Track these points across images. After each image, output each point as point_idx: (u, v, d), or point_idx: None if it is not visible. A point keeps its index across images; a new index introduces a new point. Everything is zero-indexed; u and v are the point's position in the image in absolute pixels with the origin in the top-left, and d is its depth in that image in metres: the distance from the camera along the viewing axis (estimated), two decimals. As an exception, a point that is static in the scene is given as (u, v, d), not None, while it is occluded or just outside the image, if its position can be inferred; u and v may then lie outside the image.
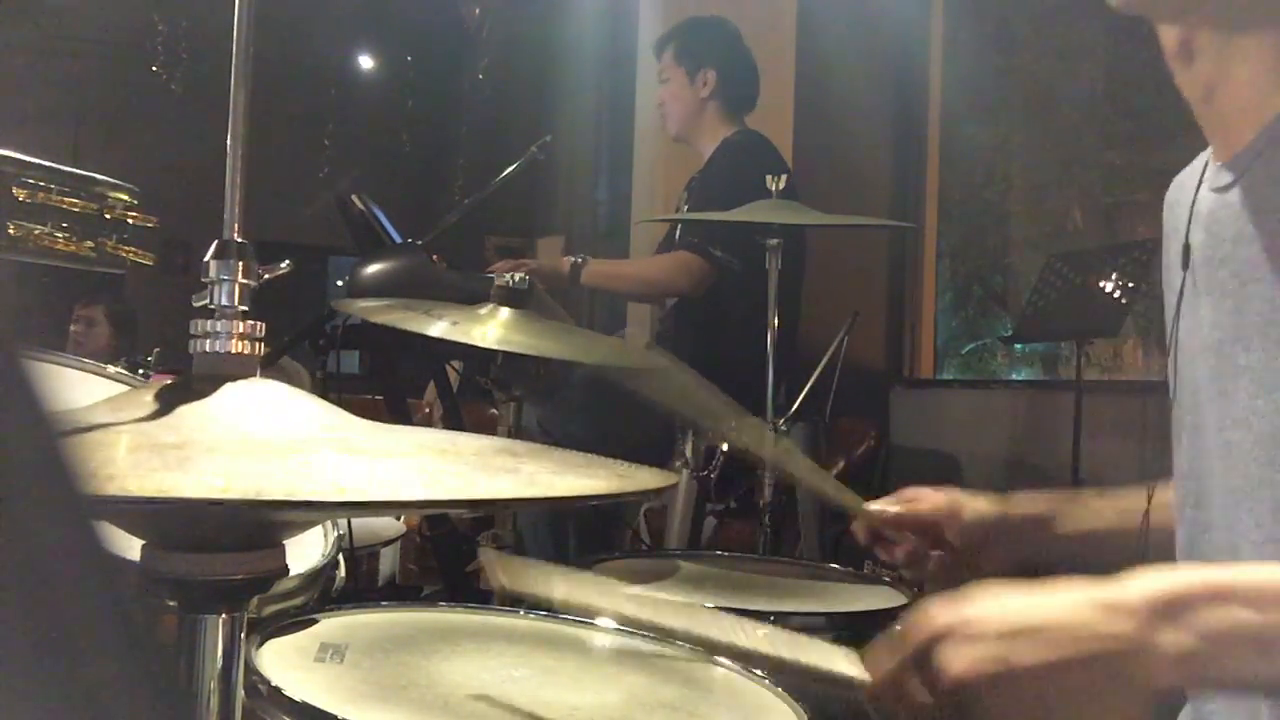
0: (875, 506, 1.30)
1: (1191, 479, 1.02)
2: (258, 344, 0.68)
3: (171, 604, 0.61)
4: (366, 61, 8.00)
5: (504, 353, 1.87)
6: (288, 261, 0.74)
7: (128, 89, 6.99)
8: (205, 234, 0.70)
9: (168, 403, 0.62)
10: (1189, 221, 1.03)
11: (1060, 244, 3.81)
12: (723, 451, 2.36)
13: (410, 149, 7.74)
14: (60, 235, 1.18)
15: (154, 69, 6.72)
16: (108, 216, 1.23)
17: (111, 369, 1.34)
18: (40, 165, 1.15)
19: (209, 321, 0.68)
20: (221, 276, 0.68)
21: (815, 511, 2.53)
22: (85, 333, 4.36)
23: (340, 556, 1.22)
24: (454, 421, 2.63)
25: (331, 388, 2.26)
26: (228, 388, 0.64)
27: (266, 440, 0.60)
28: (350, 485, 0.54)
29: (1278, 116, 0.90)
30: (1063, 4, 3.89)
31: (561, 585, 0.93)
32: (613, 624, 1.27)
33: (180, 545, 0.60)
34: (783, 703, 1.00)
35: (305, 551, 1.17)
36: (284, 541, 0.64)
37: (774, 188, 2.08)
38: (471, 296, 1.92)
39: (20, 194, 1.14)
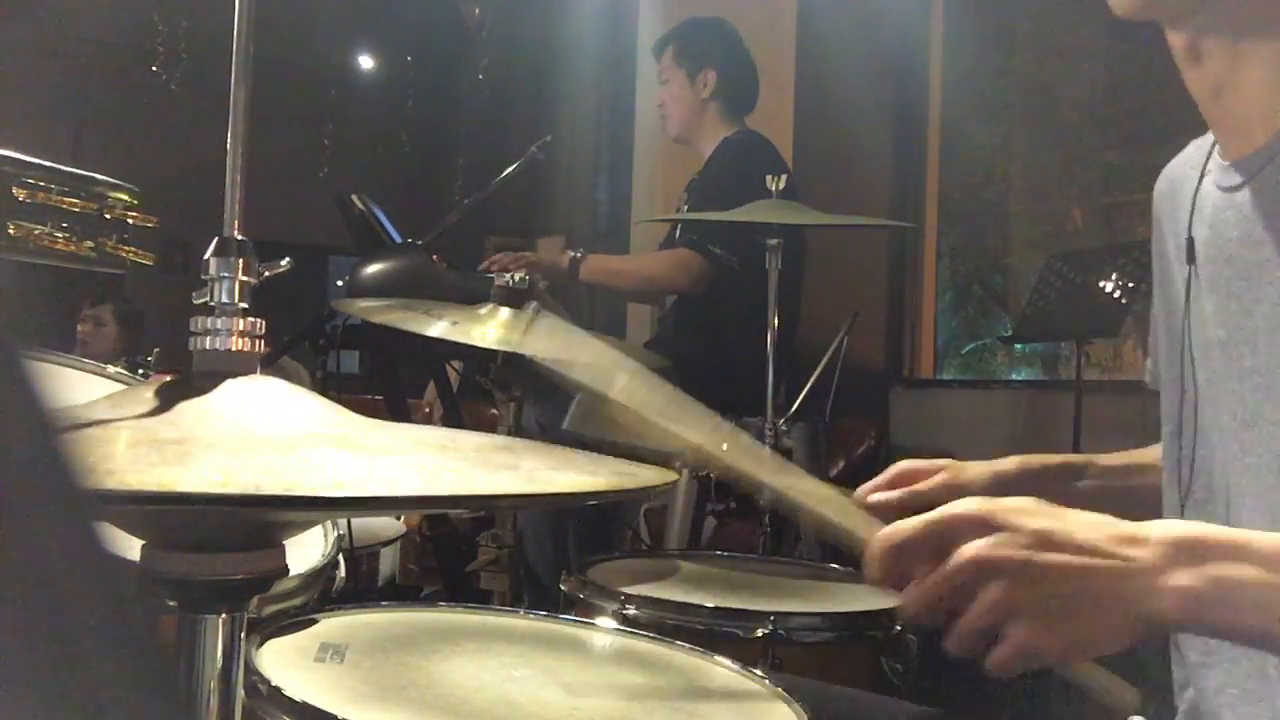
0: (876, 498, 1.26)
1: (1203, 476, 1.02)
2: (258, 341, 0.68)
3: (171, 604, 0.61)
4: (366, 61, 8.00)
5: (504, 353, 1.87)
6: (288, 259, 0.74)
7: (128, 89, 7.00)
8: (205, 234, 0.70)
9: (168, 399, 0.62)
10: (1191, 215, 1.03)
11: (1060, 244, 3.81)
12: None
13: (410, 149, 7.75)
14: (60, 235, 1.18)
15: (154, 69, 6.72)
16: (108, 216, 1.23)
17: (111, 369, 1.34)
18: (40, 165, 1.15)
19: (209, 319, 0.68)
20: (221, 274, 0.68)
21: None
22: (93, 333, 4.37)
23: (340, 556, 1.22)
24: (454, 421, 2.63)
25: (331, 388, 2.26)
26: (228, 384, 0.64)
27: (266, 436, 0.60)
28: (350, 481, 0.54)
29: None
30: (1063, 4, 3.90)
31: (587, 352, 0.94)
32: (613, 622, 1.27)
33: (180, 545, 0.59)
34: (783, 703, 1.00)
35: (305, 551, 1.17)
36: (284, 541, 0.64)
37: (774, 188, 2.08)
38: (471, 296, 1.92)
39: (20, 194, 1.14)
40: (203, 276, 0.68)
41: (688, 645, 1.14)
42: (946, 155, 4.39)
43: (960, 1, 4.35)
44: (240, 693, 0.64)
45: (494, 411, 2.00)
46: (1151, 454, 1.22)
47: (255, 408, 0.63)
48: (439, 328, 1.70)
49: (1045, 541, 0.77)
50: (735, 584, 1.63)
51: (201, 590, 0.61)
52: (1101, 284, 3.05)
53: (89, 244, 1.21)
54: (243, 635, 0.63)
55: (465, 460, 0.61)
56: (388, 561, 3.09)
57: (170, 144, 6.38)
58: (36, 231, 1.16)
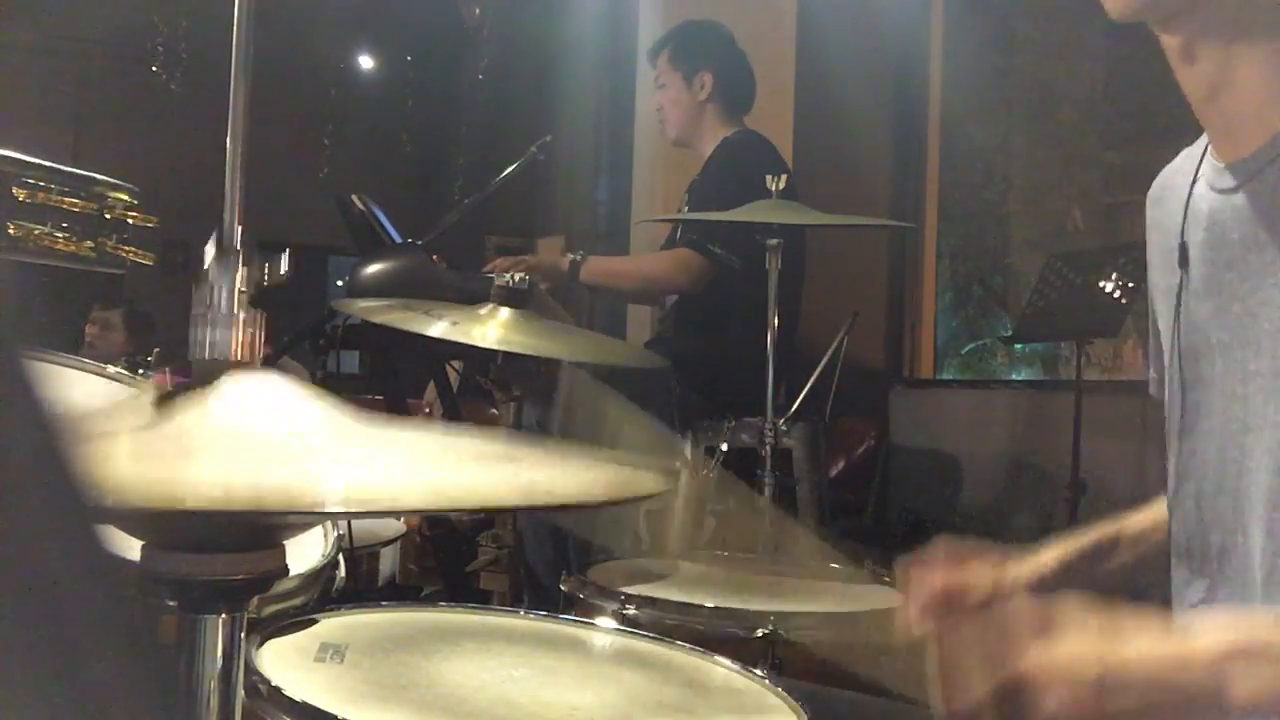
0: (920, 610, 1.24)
1: (1199, 480, 1.02)
2: (257, 347, 0.68)
3: (171, 604, 0.61)
4: (366, 61, 8.00)
5: (504, 353, 1.86)
6: (287, 268, 0.74)
7: (128, 89, 7.00)
8: (205, 234, 0.70)
9: (168, 406, 0.62)
10: (1184, 220, 1.02)
11: (1060, 244, 3.81)
12: (722, 451, 2.37)
13: (410, 149, 7.75)
14: (60, 235, 1.18)
15: (154, 69, 6.72)
16: (108, 216, 1.23)
17: (111, 369, 1.34)
18: (40, 165, 1.15)
19: (208, 324, 0.68)
20: (221, 279, 0.68)
21: (815, 511, 2.53)
22: (100, 336, 4.37)
23: (340, 556, 1.22)
24: (454, 422, 2.63)
25: (331, 388, 2.25)
26: (227, 383, 0.64)
27: (266, 441, 0.60)
28: (350, 488, 0.54)
29: None
30: (1063, 4, 3.90)
31: None
32: (613, 623, 1.27)
33: (180, 545, 0.60)
34: (782, 703, 1.00)
35: (305, 551, 1.17)
36: (284, 542, 0.64)
37: (774, 188, 2.08)
38: (471, 296, 1.92)
39: (20, 194, 1.14)
40: (202, 282, 0.68)
41: (688, 645, 1.14)
42: (946, 155, 4.39)
43: (960, 1, 4.35)
44: (240, 693, 0.64)
45: (494, 411, 2.00)
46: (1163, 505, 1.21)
47: (255, 410, 0.63)
48: (439, 328, 1.70)
49: (1107, 688, 0.78)
50: (735, 584, 1.63)
51: (201, 590, 0.61)
52: (1101, 284, 3.05)
53: (89, 244, 1.21)
54: (243, 635, 0.63)
55: (466, 464, 0.61)
56: (388, 561, 3.09)
57: (170, 144, 6.38)
58: (36, 231, 1.16)
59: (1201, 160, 1.02)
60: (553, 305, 2.70)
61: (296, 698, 0.84)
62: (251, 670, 0.87)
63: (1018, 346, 4.15)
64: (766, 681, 1.05)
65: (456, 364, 2.69)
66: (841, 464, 3.68)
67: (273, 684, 0.86)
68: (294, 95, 6.85)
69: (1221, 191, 0.97)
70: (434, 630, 1.12)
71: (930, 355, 4.46)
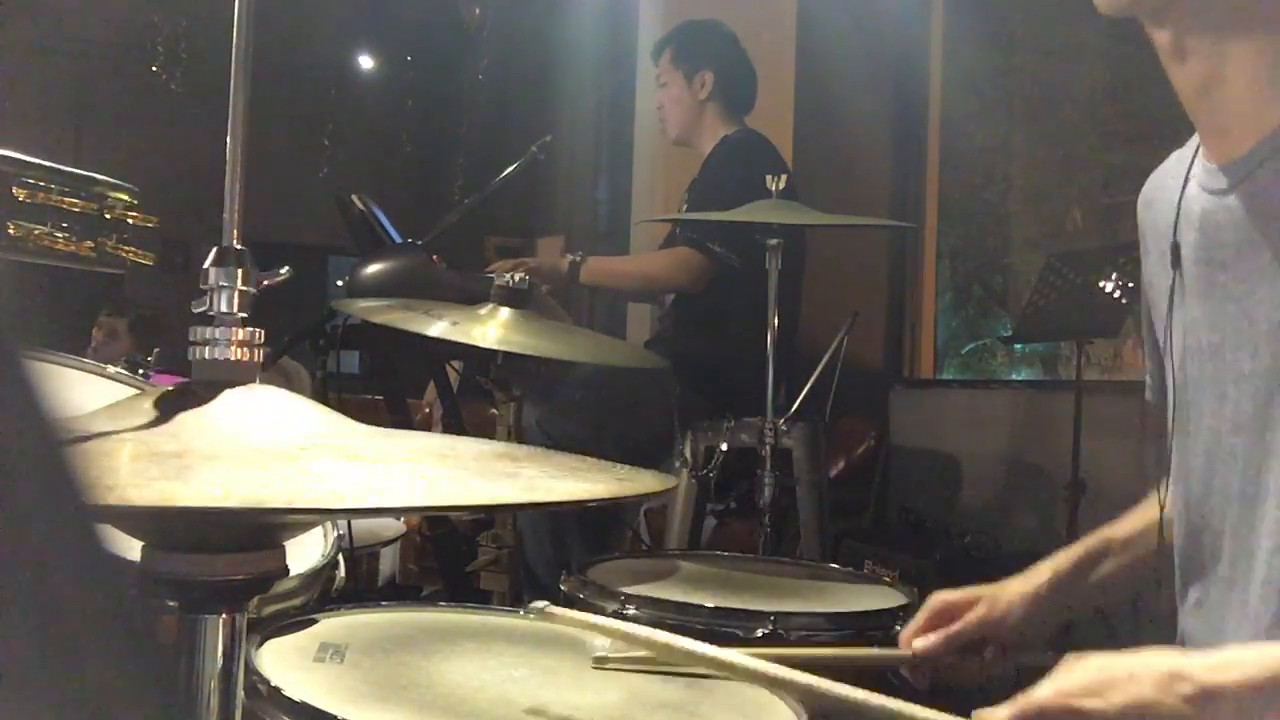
0: (920, 644, 1.26)
1: (1190, 481, 1.02)
2: (257, 351, 0.68)
3: (171, 604, 0.61)
4: (366, 61, 8.00)
5: (504, 353, 1.87)
6: (287, 268, 0.74)
7: (128, 89, 7.00)
8: (205, 234, 0.70)
9: (167, 410, 0.62)
10: (1176, 221, 1.02)
11: (1060, 244, 3.81)
12: (722, 451, 2.37)
13: (410, 149, 7.75)
14: (60, 235, 1.18)
15: (154, 69, 6.72)
16: (108, 216, 1.23)
17: (111, 369, 1.34)
18: (40, 165, 1.15)
19: (208, 328, 0.68)
20: (221, 283, 0.68)
21: (815, 511, 2.53)
22: (105, 342, 4.37)
23: (340, 556, 1.22)
24: (454, 422, 2.63)
25: (331, 388, 2.26)
26: (227, 394, 0.64)
27: (266, 447, 0.60)
28: (349, 492, 0.54)
29: None
30: (1063, 4, 3.89)
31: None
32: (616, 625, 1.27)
33: (180, 546, 0.60)
34: (783, 703, 1.00)
35: (305, 551, 1.17)
36: (284, 542, 0.64)
37: (774, 188, 2.08)
38: (471, 296, 1.92)
39: (20, 194, 1.14)
40: (202, 286, 0.68)
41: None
42: (946, 155, 4.39)
43: (960, 1, 4.35)
44: (240, 693, 0.64)
45: (494, 411, 2.00)
46: (1153, 506, 1.21)
47: (255, 417, 0.63)
48: (439, 328, 1.70)
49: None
50: (735, 584, 1.63)
51: (201, 590, 0.61)
52: (1101, 284, 3.05)
53: (89, 244, 1.21)
54: (243, 635, 0.63)
55: (465, 469, 0.61)
56: (388, 561, 3.09)
57: (170, 144, 6.38)
58: (36, 231, 1.16)
59: (1193, 162, 1.02)
60: (553, 305, 2.70)
61: (296, 698, 0.84)
62: (251, 670, 0.87)
63: (1018, 346, 4.15)
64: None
65: (456, 364, 2.69)
66: (841, 464, 3.68)
67: (273, 684, 0.86)
68: (294, 95, 6.85)
69: (1214, 193, 0.97)
70: (434, 630, 1.12)
71: (930, 355, 4.46)
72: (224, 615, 0.62)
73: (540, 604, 1.09)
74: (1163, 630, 1.13)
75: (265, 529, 0.62)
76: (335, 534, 1.22)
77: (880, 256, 4.44)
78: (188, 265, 5.77)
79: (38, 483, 0.29)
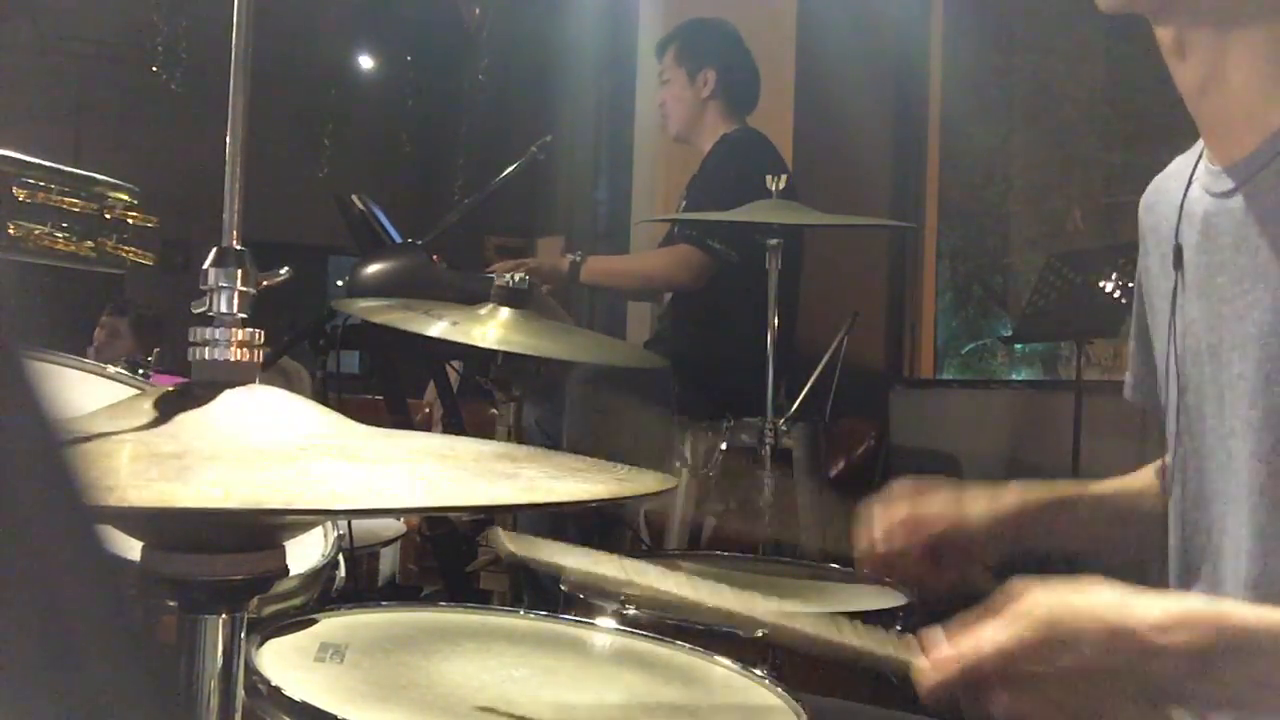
0: (878, 533, 1.24)
1: (1189, 484, 1.02)
2: (257, 351, 0.68)
3: (171, 604, 0.61)
4: (366, 61, 8.00)
5: (504, 353, 1.87)
6: (287, 269, 0.74)
7: (128, 89, 7.00)
8: (205, 234, 0.70)
9: (167, 411, 0.62)
10: (1178, 222, 1.02)
11: (1060, 244, 3.81)
12: (722, 451, 2.37)
13: (410, 149, 7.75)
14: (60, 235, 1.18)
15: (154, 69, 6.72)
16: (108, 216, 1.23)
17: (111, 369, 1.34)
18: (40, 165, 1.15)
19: (208, 329, 0.68)
20: (220, 284, 0.68)
21: (815, 512, 2.53)
22: (107, 342, 4.38)
23: (340, 556, 1.22)
24: (454, 422, 2.63)
25: (331, 388, 2.26)
26: (227, 395, 0.64)
27: (265, 448, 0.60)
28: (349, 492, 0.54)
29: None
30: (1063, 4, 3.89)
31: (570, 559, 0.97)
32: (613, 622, 1.27)
33: (180, 546, 0.60)
34: (782, 703, 1.00)
35: (305, 551, 1.17)
36: (284, 542, 0.64)
37: (774, 188, 2.08)
38: (471, 296, 1.92)
39: (20, 194, 1.14)
40: (201, 287, 0.68)
41: (688, 645, 1.14)
42: (946, 155, 4.39)
43: (960, 1, 4.35)
44: (240, 693, 0.64)
45: (494, 411, 2.00)
46: (1142, 477, 1.22)
47: (255, 418, 0.63)
48: (439, 328, 1.70)
49: (1069, 686, 0.81)
50: (735, 584, 1.63)
51: (201, 590, 0.61)
52: (1101, 284, 3.05)
53: (89, 244, 1.21)
54: (243, 635, 0.63)
55: (464, 469, 0.61)
56: (388, 561, 3.09)
57: (170, 144, 6.39)
58: (36, 231, 1.16)
59: (1196, 165, 1.02)
60: (553, 305, 2.70)
61: (296, 698, 0.84)
62: (251, 670, 0.87)
63: (1018, 346, 4.15)
64: (766, 681, 1.05)
65: (456, 364, 2.69)
66: (841, 464, 3.68)
67: (273, 684, 0.86)
68: (294, 95, 6.85)
69: (1217, 195, 0.97)
70: (434, 630, 1.12)
71: (930, 355, 4.46)
72: (224, 615, 0.62)
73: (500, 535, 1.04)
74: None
75: (265, 529, 0.62)
76: (335, 534, 1.22)
77: (880, 256, 4.44)
78: (188, 265, 5.77)
79: (38, 483, 0.29)
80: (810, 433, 2.58)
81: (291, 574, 0.72)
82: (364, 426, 0.67)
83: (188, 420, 0.62)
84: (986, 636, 0.83)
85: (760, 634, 1.35)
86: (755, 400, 2.08)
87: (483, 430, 2.35)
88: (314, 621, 1.07)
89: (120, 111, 7.03)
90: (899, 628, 1.44)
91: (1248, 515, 0.91)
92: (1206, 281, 0.98)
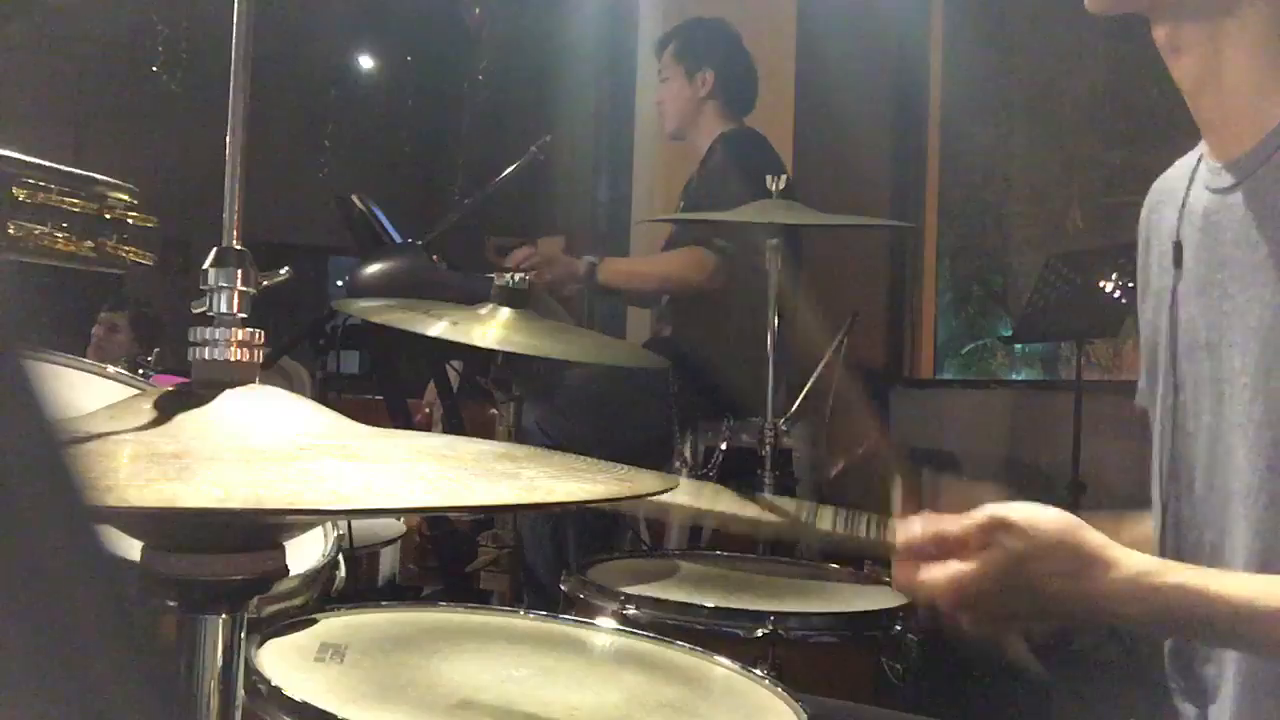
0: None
1: (1190, 480, 1.02)
2: (257, 351, 0.68)
3: (171, 604, 0.61)
4: (366, 61, 8.00)
5: (504, 353, 1.87)
6: (287, 269, 0.74)
7: (128, 89, 6.99)
8: (205, 234, 0.70)
9: (167, 411, 0.62)
10: (1179, 220, 1.03)
11: (1060, 244, 3.81)
12: (722, 451, 2.37)
13: (410, 149, 7.74)
14: (60, 235, 1.18)
15: (154, 69, 6.72)
16: (108, 216, 1.23)
17: (111, 369, 1.34)
18: (40, 165, 1.15)
19: (208, 329, 0.67)
20: (220, 284, 0.68)
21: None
22: (106, 337, 4.38)
23: (340, 556, 1.21)
24: (454, 422, 2.63)
25: (331, 388, 2.26)
26: (227, 395, 0.64)
27: (265, 448, 0.60)
28: (349, 492, 0.54)
29: None
30: (1063, 4, 3.89)
31: None
32: (613, 623, 1.27)
33: (180, 546, 0.60)
34: (782, 703, 1.00)
35: (305, 551, 1.17)
36: (284, 542, 0.64)
37: (774, 188, 2.08)
38: (471, 296, 1.92)
39: (20, 194, 1.14)
40: (201, 287, 0.68)
41: (688, 645, 1.14)
42: (946, 155, 4.39)
43: (960, 1, 4.35)
44: (240, 693, 0.64)
45: (494, 411, 2.00)
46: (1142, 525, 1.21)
47: (255, 418, 0.63)
48: (439, 328, 1.70)
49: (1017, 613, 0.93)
50: (735, 584, 1.63)
51: (201, 590, 0.61)
52: (1101, 284, 3.05)
53: (89, 244, 1.21)
54: (243, 635, 0.63)
55: (464, 469, 0.60)
56: (388, 561, 3.09)
57: (170, 144, 6.38)
58: (36, 231, 1.16)
59: (1198, 164, 1.02)
60: (553, 305, 2.70)
61: (296, 698, 0.84)
62: (251, 670, 0.87)
63: (1018, 346, 4.15)
64: (766, 681, 1.05)
65: (456, 364, 2.69)
66: (841, 464, 3.68)
67: (273, 684, 0.86)
68: (294, 95, 6.85)
69: (1217, 191, 0.97)
70: (434, 630, 1.12)
71: (930, 355, 4.46)
72: (224, 615, 0.62)
73: None
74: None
75: (265, 529, 0.62)
76: (335, 534, 1.22)
77: (880, 256, 4.44)
78: (188, 265, 5.76)
79: (38, 483, 0.29)
80: (810, 433, 2.58)
81: (291, 574, 0.72)
82: (364, 426, 0.67)
83: (188, 420, 0.62)
84: (960, 577, 0.92)
85: (761, 633, 1.35)
86: (755, 400, 2.08)
87: (483, 430, 2.35)
88: (314, 621, 1.07)
89: (120, 111, 7.02)
90: (898, 627, 1.44)
91: (1246, 510, 0.91)
92: (1206, 278, 0.98)
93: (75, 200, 1.19)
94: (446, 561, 2.50)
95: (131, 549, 0.59)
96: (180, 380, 0.70)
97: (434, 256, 2.42)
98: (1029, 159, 4.14)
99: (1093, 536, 0.91)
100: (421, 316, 1.73)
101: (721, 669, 1.09)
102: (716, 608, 1.40)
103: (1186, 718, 1.03)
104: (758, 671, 1.08)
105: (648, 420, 2.63)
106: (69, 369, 1.29)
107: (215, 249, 0.69)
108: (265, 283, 0.70)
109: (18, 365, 0.29)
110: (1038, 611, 0.92)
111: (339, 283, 7.02)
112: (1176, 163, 1.10)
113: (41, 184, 1.16)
